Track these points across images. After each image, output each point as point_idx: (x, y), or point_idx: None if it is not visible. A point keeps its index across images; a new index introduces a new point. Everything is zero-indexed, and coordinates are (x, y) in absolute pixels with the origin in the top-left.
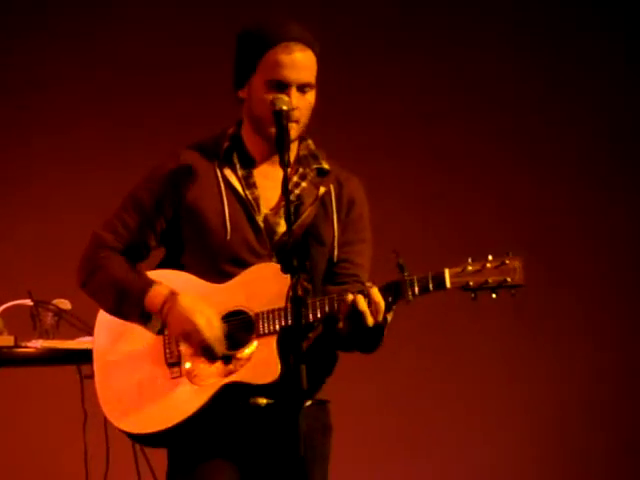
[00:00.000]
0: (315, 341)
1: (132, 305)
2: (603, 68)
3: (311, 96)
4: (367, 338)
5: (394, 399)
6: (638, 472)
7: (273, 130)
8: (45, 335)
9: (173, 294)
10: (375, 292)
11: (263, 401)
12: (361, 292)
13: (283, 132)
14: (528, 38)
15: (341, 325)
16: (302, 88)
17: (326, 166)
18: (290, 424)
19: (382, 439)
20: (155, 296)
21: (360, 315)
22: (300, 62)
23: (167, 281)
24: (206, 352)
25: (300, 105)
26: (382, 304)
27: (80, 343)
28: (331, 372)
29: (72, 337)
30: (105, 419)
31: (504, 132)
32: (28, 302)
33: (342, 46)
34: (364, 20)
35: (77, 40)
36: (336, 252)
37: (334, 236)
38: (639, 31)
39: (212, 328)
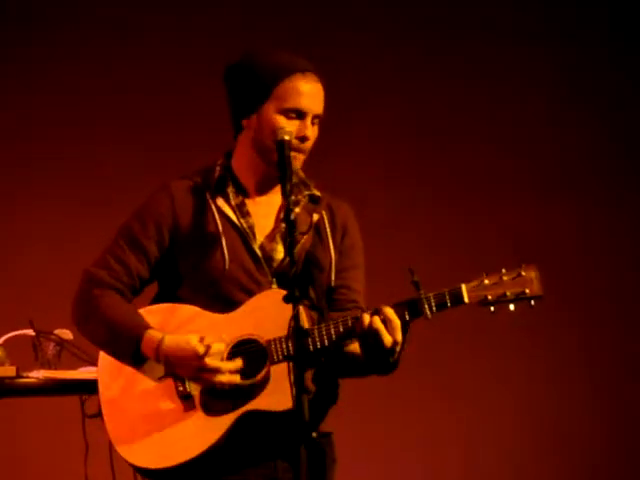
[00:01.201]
0: (324, 366)
1: (125, 349)
2: (603, 68)
3: (317, 129)
4: (384, 359)
5: (396, 427)
6: (637, 472)
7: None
8: (47, 365)
9: (164, 338)
10: (390, 311)
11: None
12: (375, 312)
13: (285, 162)
14: (528, 41)
15: (355, 348)
16: (313, 119)
17: (317, 193)
18: (294, 455)
19: (385, 468)
20: (149, 342)
21: (377, 334)
22: (317, 93)
23: (171, 315)
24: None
25: (311, 136)
26: (398, 322)
27: (82, 373)
28: (335, 402)
29: (74, 367)
30: (110, 449)
31: (506, 145)
32: (30, 332)
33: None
34: (359, 25)
35: (76, 50)
36: (333, 277)
37: (331, 261)
38: None
39: (212, 356)
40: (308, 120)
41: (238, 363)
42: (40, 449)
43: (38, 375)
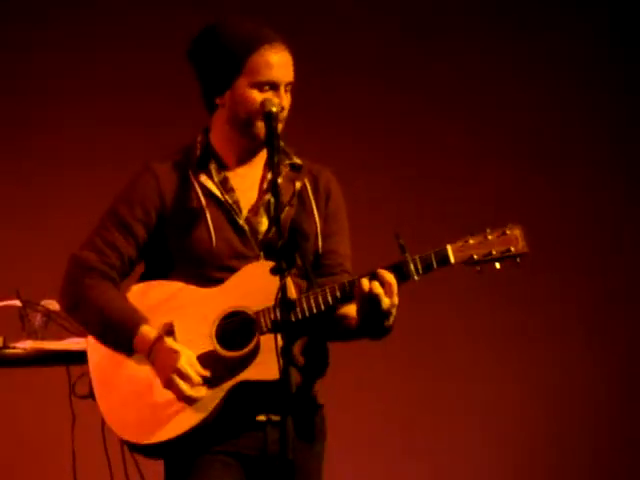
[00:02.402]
0: (314, 334)
1: (118, 343)
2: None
3: (289, 95)
4: (380, 323)
5: (388, 402)
6: (634, 468)
7: (262, 130)
8: (34, 336)
9: (158, 339)
10: (387, 273)
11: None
12: (373, 276)
13: (274, 134)
14: (528, 34)
15: (346, 311)
16: (286, 87)
17: (298, 161)
18: (282, 427)
19: (376, 442)
20: (142, 339)
21: (376, 298)
22: (286, 61)
23: (160, 291)
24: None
25: (286, 105)
26: (395, 284)
27: (69, 344)
28: (324, 372)
29: (61, 338)
30: (102, 427)
31: (489, 112)
32: (17, 303)
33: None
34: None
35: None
36: (321, 244)
37: (317, 228)
38: None
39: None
40: (281, 90)
41: (202, 390)
42: (27, 420)
43: (25, 345)
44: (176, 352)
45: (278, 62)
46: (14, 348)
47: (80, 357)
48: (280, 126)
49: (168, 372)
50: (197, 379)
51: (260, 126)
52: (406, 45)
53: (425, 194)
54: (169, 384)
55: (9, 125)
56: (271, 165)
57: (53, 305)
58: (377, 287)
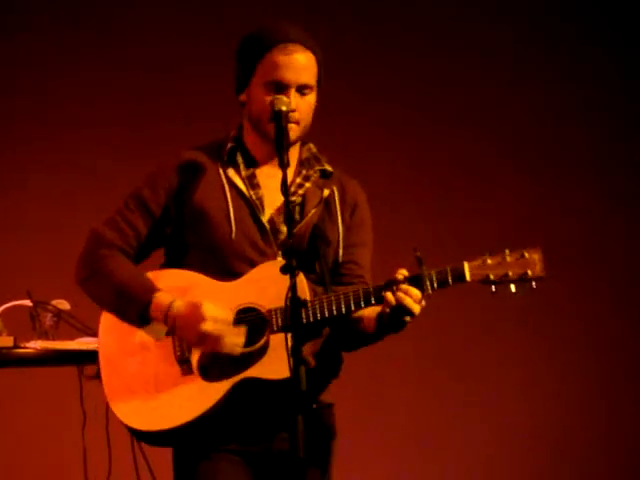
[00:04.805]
0: (330, 338)
1: (133, 311)
2: (603, 69)
3: (311, 98)
4: (405, 323)
5: (398, 400)
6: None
7: (272, 130)
8: (44, 336)
9: (174, 302)
10: (412, 289)
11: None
12: (392, 282)
13: (282, 133)
14: (529, 39)
15: (363, 317)
16: (301, 90)
17: (329, 168)
18: (291, 426)
19: (387, 441)
20: (159, 305)
21: (406, 307)
22: (299, 63)
23: (175, 280)
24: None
25: (300, 107)
26: (420, 295)
27: (79, 344)
28: (337, 374)
29: (71, 338)
30: (106, 420)
31: (508, 134)
32: (27, 303)
33: (345, 51)
34: (360, 19)
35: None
36: (341, 252)
37: (339, 237)
38: None
39: (219, 322)
40: (291, 92)
41: (242, 330)
42: (37, 419)
43: (35, 345)
44: (197, 304)
45: (287, 63)
46: (25, 348)
47: (91, 357)
48: (294, 127)
49: (196, 325)
50: (230, 318)
51: (270, 126)
52: (425, 63)
53: (444, 207)
54: (200, 338)
55: (19, 127)
56: (281, 164)
57: (64, 305)
58: (404, 297)
